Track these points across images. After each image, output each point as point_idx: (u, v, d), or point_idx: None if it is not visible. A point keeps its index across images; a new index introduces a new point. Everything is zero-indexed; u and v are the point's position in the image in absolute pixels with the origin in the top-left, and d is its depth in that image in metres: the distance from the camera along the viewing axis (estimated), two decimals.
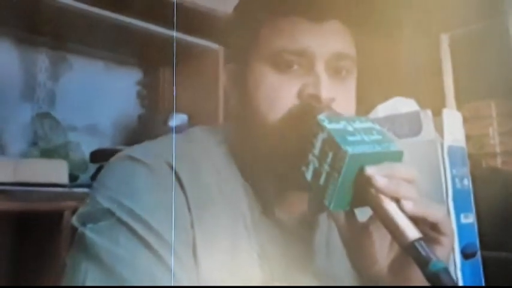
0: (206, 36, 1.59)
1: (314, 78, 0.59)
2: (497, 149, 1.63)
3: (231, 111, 0.68)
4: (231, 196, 0.62)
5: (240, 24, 0.66)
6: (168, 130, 1.54)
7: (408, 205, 0.50)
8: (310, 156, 0.54)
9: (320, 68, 0.60)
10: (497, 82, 1.60)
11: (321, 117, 0.55)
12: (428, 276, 0.47)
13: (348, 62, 0.62)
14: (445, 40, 1.81)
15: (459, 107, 1.71)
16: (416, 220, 0.50)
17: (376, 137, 0.54)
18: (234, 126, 0.68)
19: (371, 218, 0.56)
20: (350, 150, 0.50)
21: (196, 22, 1.45)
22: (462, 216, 1.03)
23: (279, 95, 0.60)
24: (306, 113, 0.57)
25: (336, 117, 0.56)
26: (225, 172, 0.63)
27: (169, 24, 1.39)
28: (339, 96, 0.60)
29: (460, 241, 1.01)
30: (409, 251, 0.49)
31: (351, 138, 0.52)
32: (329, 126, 0.53)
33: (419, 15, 1.59)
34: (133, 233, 0.54)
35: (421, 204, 0.51)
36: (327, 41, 0.60)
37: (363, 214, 0.57)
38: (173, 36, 1.39)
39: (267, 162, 0.62)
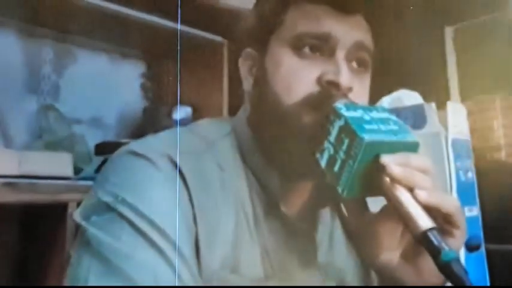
0: (210, 29, 1.59)
1: (334, 66, 0.59)
2: (502, 142, 1.63)
3: (242, 96, 0.68)
4: (234, 191, 0.62)
5: (266, 9, 0.65)
6: (173, 123, 1.56)
7: (422, 194, 0.50)
8: (326, 143, 0.54)
9: (341, 56, 0.60)
10: (502, 75, 1.60)
11: (339, 104, 0.55)
12: (439, 265, 0.48)
13: (366, 55, 0.62)
14: (449, 33, 1.80)
15: (463, 100, 1.71)
16: (429, 210, 0.50)
17: (392, 127, 0.54)
18: (242, 116, 0.68)
19: (384, 207, 0.56)
20: (366, 137, 0.50)
21: (201, 15, 1.45)
22: (466, 208, 1.03)
23: (298, 78, 0.60)
24: (324, 100, 0.57)
25: (353, 105, 0.56)
26: (228, 167, 0.63)
27: (173, 17, 1.39)
28: (356, 88, 0.60)
29: None
30: (421, 240, 0.49)
31: (367, 127, 0.52)
32: (346, 113, 0.53)
33: (424, 8, 1.58)
34: (135, 228, 0.54)
35: (435, 195, 0.51)
36: (350, 30, 0.61)
37: (373, 204, 0.57)
38: (177, 28, 1.39)
39: (275, 150, 0.62)
